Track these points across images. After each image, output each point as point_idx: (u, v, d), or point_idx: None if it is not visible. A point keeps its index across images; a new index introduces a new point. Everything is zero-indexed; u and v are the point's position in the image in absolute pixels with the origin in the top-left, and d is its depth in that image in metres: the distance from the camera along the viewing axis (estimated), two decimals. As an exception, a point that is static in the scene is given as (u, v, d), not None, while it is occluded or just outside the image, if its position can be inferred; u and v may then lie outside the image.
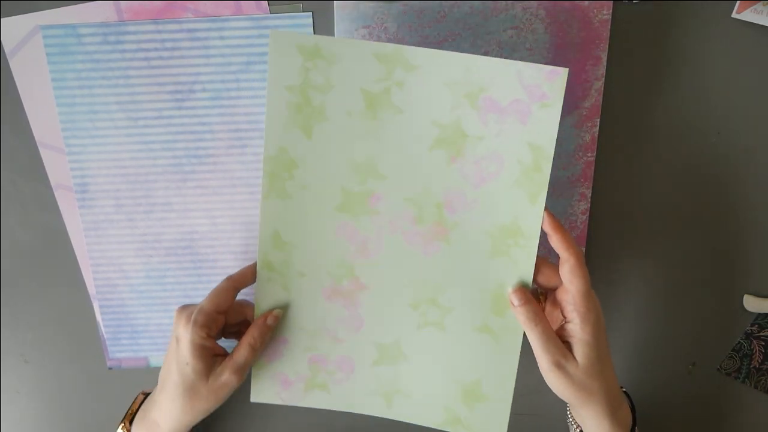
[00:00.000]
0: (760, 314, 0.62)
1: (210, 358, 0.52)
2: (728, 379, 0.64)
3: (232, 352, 0.53)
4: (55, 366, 0.64)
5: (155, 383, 0.64)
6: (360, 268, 0.54)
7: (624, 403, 0.54)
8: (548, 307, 0.53)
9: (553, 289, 0.52)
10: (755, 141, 0.58)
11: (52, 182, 0.61)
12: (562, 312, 0.51)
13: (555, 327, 0.51)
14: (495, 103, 0.49)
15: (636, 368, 0.65)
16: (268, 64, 0.49)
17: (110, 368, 0.64)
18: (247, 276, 0.54)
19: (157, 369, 0.64)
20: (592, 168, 0.58)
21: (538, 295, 0.54)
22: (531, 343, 0.50)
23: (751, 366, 0.63)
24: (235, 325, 0.55)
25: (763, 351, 0.63)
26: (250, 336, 0.53)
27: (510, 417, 0.66)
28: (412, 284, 0.54)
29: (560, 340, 0.50)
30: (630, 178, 0.59)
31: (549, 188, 0.57)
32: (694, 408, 0.65)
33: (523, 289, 0.51)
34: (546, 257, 0.52)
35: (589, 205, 0.59)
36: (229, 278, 0.53)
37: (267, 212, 0.53)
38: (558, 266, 0.50)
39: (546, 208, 0.51)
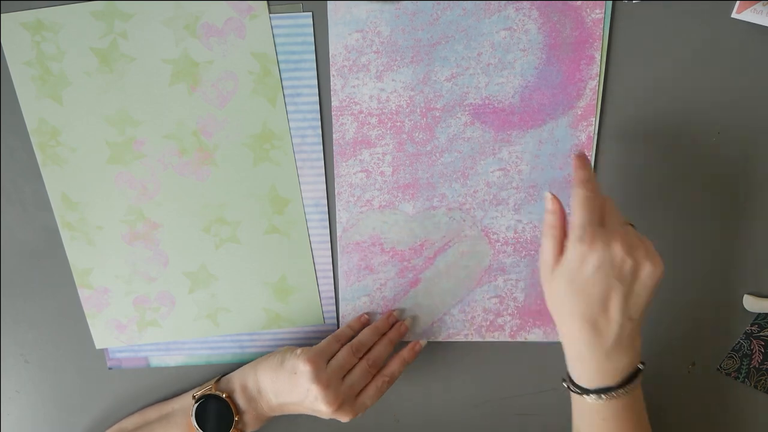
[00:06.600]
0: (760, 314, 0.62)
1: None
2: (728, 379, 0.64)
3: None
4: (55, 366, 0.64)
5: (155, 383, 0.64)
6: (147, 209, 0.59)
7: (626, 353, 0.49)
8: None
9: None
10: (755, 141, 0.58)
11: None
12: None
13: None
14: (212, 26, 0.54)
15: (636, 368, 0.65)
16: (3, 47, 0.55)
17: (110, 368, 0.64)
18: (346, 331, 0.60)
19: (158, 369, 0.64)
20: None
21: None
22: None
23: (751, 366, 0.63)
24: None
25: (762, 351, 0.63)
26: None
27: (510, 417, 0.66)
28: (197, 211, 0.59)
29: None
30: (630, 177, 0.59)
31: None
32: (694, 408, 0.65)
33: (554, 199, 0.51)
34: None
35: None
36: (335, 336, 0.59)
37: (49, 179, 0.58)
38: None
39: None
